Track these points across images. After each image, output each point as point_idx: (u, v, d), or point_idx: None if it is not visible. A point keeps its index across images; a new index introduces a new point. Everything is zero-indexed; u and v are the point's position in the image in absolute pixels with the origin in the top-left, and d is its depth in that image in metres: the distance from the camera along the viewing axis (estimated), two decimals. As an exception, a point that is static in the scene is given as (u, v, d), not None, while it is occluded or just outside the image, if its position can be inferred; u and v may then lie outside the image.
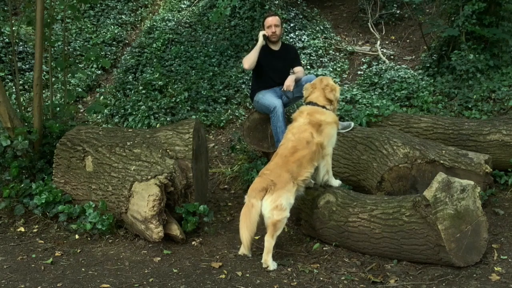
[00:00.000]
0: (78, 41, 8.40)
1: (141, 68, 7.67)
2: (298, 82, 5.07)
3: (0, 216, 4.60)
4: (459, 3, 6.79)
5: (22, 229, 4.40)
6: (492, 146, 5.01)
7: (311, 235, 4.27)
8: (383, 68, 7.38)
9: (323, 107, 4.15)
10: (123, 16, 9.28)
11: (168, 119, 6.56)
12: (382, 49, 8.14)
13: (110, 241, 4.20)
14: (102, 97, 7.16)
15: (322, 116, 4.08)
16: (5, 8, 8.61)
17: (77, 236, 4.25)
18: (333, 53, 8.16)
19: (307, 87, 4.32)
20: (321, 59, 7.93)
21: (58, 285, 3.37)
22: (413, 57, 8.02)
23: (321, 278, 3.55)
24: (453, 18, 6.93)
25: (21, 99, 6.32)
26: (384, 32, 8.73)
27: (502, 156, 5.00)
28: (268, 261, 3.69)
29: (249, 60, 5.10)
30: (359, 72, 7.71)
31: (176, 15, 8.95)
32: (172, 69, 7.50)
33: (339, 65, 7.86)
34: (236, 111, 6.85)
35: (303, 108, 4.19)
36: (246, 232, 3.69)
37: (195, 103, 6.88)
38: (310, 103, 4.19)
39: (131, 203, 4.11)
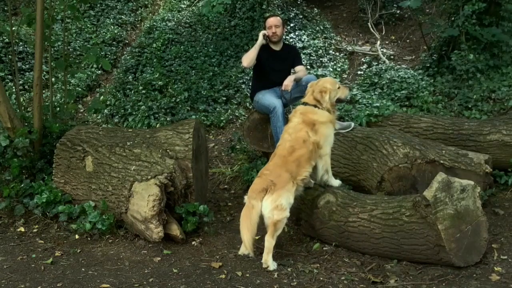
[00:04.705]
0: (78, 41, 8.40)
1: (141, 68, 7.66)
2: (298, 82, 5.07)
3: (0, 216, 4.60)
4: (459, 3, 6.78)
5: (22, 229, 4.39)
6: (492, 146, 5.01)
7: (311, 235, 4.26)
8: (383, 68, 7.38)
9: (315, 106, 4.17)
10: (123, 16, 9.27)
11: (168, 119, 6.56)
12: (382, 49, 8.14)
13: (110, 241, 4.20)
14: (102, 96, 7.16)
15: (315, 115, 4.10)
16: (5, 8, 8.62)
17: (77, 236, 4.25)
18: (333, 53, 8.16)
19: (308, 87, 4.36)
20: (321, 59, 7.93)
21: (58, 285, 3.37)
22: (413, 57, 8.02)
23: (321, 278, 3.55)
24: (453, 18, 6.93)
25: (21, 99, 6.32)
26: (384, 32, 8.73)
27: (502, 156, 4.99)
28: (268, 261, 3.69)
29: (248, 58, 5.10)
30: (359, 72, 7.70)
31: (176, 15, 8.95)
32: (172, 69, 7.50)
33: (339, 65, 7.86)
34: (236, 111, 6.85)
35: (297, 107, 4.25)
36: (247, 233, 3.69)
37: (195, 103, 6.88)
38: (304, 103, 4.23)
39: (131, 203, 4.11)
